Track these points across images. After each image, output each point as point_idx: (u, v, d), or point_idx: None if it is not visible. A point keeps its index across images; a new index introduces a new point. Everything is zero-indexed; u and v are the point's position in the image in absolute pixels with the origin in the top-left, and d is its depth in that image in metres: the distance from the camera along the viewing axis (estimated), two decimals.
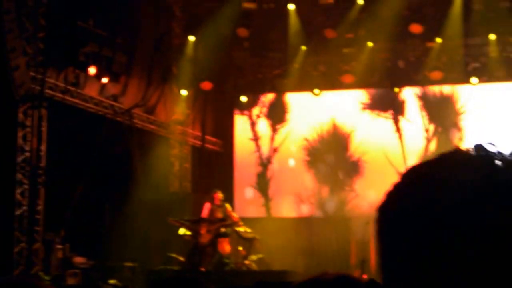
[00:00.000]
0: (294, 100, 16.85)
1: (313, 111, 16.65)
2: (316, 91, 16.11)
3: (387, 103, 16.43)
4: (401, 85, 15.99)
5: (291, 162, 16.82)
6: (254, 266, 12.75)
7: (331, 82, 15.84)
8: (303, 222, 15.85)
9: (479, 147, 1.07)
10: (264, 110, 16.95)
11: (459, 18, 14.22)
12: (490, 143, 1.07)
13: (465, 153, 1.07)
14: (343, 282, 2.09)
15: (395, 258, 1.07)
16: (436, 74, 15.10)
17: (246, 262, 12.75)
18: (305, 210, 16.54)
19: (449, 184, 1.03)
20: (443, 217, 1.01)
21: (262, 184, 16.76)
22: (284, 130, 16.88)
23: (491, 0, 13.86)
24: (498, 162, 1.04)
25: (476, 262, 0.99)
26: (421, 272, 1.03)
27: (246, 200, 16.70)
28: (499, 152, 1.06)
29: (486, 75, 15.05)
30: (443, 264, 1.01)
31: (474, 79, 15.07)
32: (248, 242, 13.09)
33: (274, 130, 16.94)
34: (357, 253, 14.24)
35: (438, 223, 1.02)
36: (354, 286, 2.10)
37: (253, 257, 12.88)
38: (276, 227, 14.85)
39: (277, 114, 16.92)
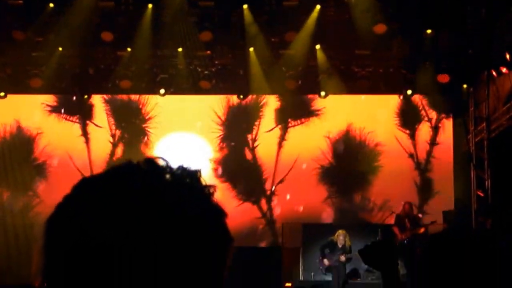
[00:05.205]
0: None
1: None
2: (1, 93, 15.43)
3: (75, 107, 16.27)
4: (90, 92, 15.93)
5: None
6: None
7: (18, 85, 15.26)
8: None
9: (149, 161, 1.10)
10: None
11: (149, 29, 14.55)
12: (161, 158, 1.10)
13: (136, 167, 1.10)
14: None
15: (58, 270, 1.06)
16: (125, 83, 15.28)
17: None
18: None
19: (113, 199, 1.04)
20: (101, 233, 1.02)
21: None
22: None
23: (179, 14, 14.38)
24: (166, 176, 1.09)
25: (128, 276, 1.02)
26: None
27: None
28: (168, 166, 1.10)
29: (173, 86, 15.58)
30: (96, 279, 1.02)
31: (162, 90, 15.53)
32: None
33: None
34: (39, 262, 13.85)
35: (96, 239, 1.02)
36: None
37: None
38: None
39: None
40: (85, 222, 1.04)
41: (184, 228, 1.05)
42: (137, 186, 1.06)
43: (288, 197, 16.14)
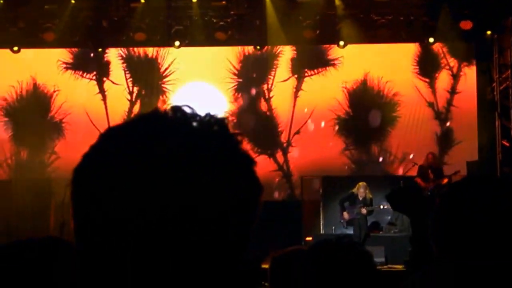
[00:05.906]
0: None
1: (12, 69, 15.78)
2: (15, 48, 15.24)
3: (92, 64, 16.08)
4: (104, 45, 15.70)
5: None
6: None
7: (31, 39, 15.05)
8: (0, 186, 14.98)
9: (176, 109, 1.08)
10: None
11: None
12: (187, 105, 1.08)
13: (163, 114, 1.07)
14: (49, 242, 2.12)
15: (86, 219, 1.05)
16: (140, 36, 15.01)
17: None
18: (2, 173, 15.73)
19: (140, 147, 1.03)
20: (131, 179, 1.01)
21: None
22: None
23: None
24: (194, 123, 1.06)
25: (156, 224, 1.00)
26: (108, 236, 1.02)
27: None
28: (195, 114, 1.08)
29: (189, 38, 15.29)
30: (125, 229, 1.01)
31: (177, 42, 15.25)
32: None
33: None
34: (57, 216, 13.84)
35: (125, 185, 1.01)
36: (60, 245, 2.11)
37: None
38: None
39: None
40: (111, 170, 1.02)
41: (213, 176, 1.03)
42: (164, 133, 1.05)
43: (304, 149, 15.82)
